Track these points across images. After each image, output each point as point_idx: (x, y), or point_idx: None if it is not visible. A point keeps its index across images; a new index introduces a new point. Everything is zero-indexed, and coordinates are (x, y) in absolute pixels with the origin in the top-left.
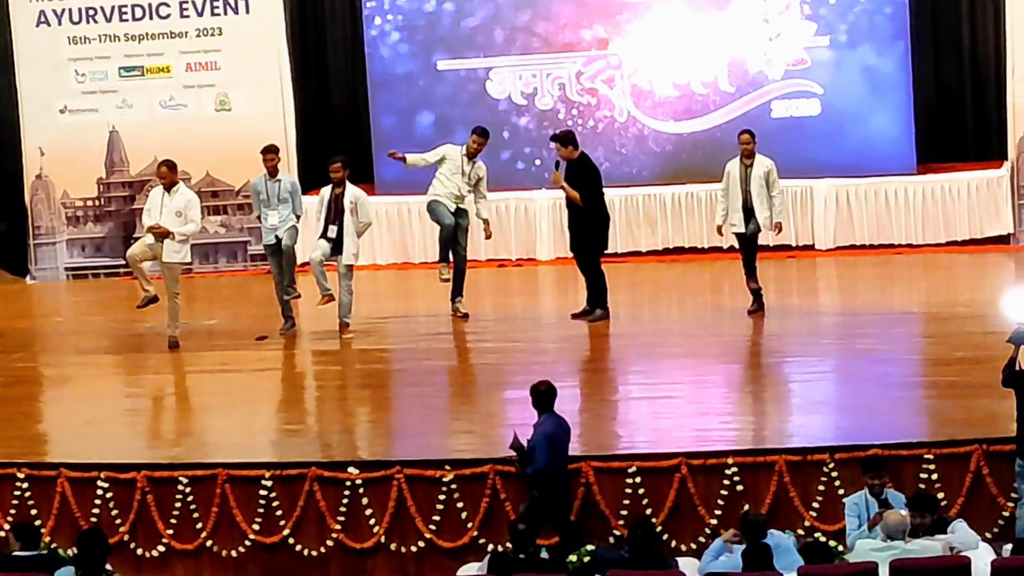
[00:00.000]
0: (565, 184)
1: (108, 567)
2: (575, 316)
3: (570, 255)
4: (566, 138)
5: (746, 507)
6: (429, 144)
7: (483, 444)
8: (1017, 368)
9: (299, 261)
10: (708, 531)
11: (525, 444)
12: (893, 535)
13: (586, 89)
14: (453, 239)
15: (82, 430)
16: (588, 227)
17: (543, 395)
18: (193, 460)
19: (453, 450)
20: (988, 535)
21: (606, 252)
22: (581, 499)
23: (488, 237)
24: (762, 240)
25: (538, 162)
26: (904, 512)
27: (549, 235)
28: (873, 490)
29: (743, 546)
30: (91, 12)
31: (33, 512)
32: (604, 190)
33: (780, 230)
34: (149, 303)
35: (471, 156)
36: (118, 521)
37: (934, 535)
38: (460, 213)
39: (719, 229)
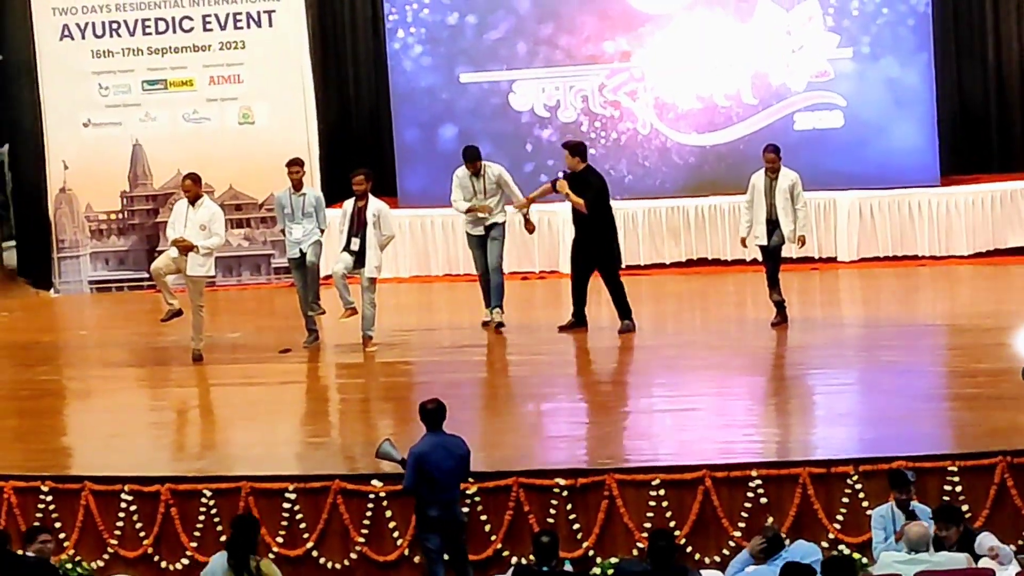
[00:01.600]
0: (570, 192)
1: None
2: (563, 328)
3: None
4: (577, 148)
5: (770, 519)
6: (452, 156)
7: (507, 457)
8: None
9: (322, 275)
10: (732, 544)
11: (400, 457)
12: (916, 547)
13: (609, 102)
14: (485, 260)
15: (106, 443)
16: (600, 242)
17: (430, 413)
18: (217, 473)
19: (477, 463)
20: (1013, 547)
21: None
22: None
23: (531, 230)
24: (785, 252)
25: (561, 175)
26: (926, 524)
27: None
28: (900, 503)
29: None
30: (115, 26)
31: (57, 525)
32: (625, 202)
33: (804, 243)
34: (173, 316)
35: (475, 174)
36: (142, 534)
37: (961, 549)
38: (490, 229)
39: (743, 241)
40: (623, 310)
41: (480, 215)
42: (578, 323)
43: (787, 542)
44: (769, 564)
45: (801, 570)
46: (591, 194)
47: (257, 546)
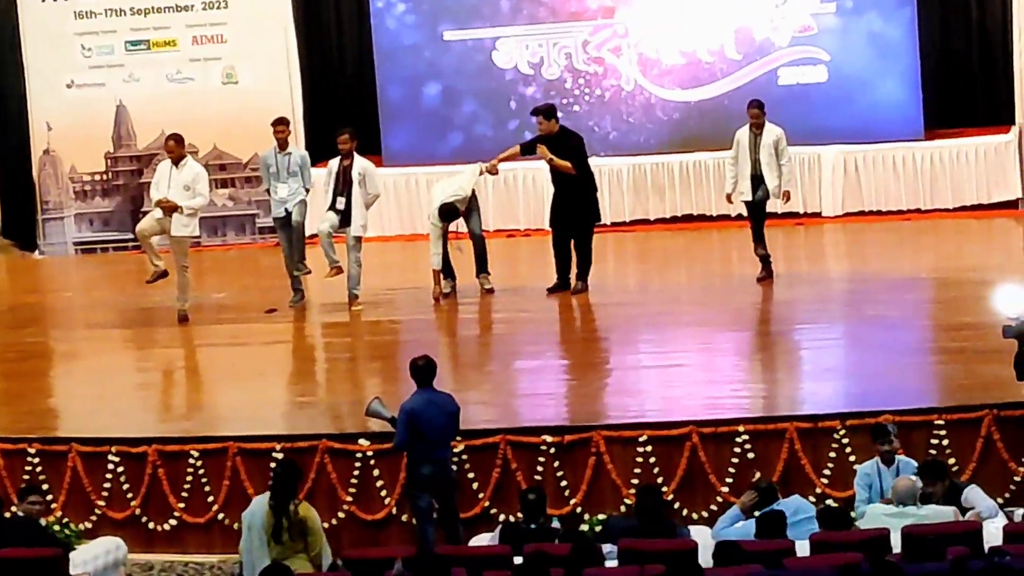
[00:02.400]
0: (554, 157)
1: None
2: (550, 291)
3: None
4: (550, 111)
5: (757, 475)
6: (436, 115)
7: (494, 415)
8: None
9: (308, 234)
10: (719, 499)
11: (389, 415)
12: (904, 501)
13: (593, 58)
14: (463, 220)
15: (93, 405)
16: (582, 199)
17: (420, 369)
18: (204, 433)
19: (464, 421)
20: (1000, 500)
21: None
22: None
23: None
24: (770, 207)
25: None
26: (914, 478)
27: None
28: (884, 457)
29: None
30: None
31: (45, 487)
32: (609, 158)
33: (788, 198)
34: (159, 278)
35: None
36: (129, 495)
37: (948, 503)
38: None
39: (729, 197)
40: (583, 271)
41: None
42: (563, 285)
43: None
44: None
45: (774, 518)
46: (573, 155)
47: (298, 491)
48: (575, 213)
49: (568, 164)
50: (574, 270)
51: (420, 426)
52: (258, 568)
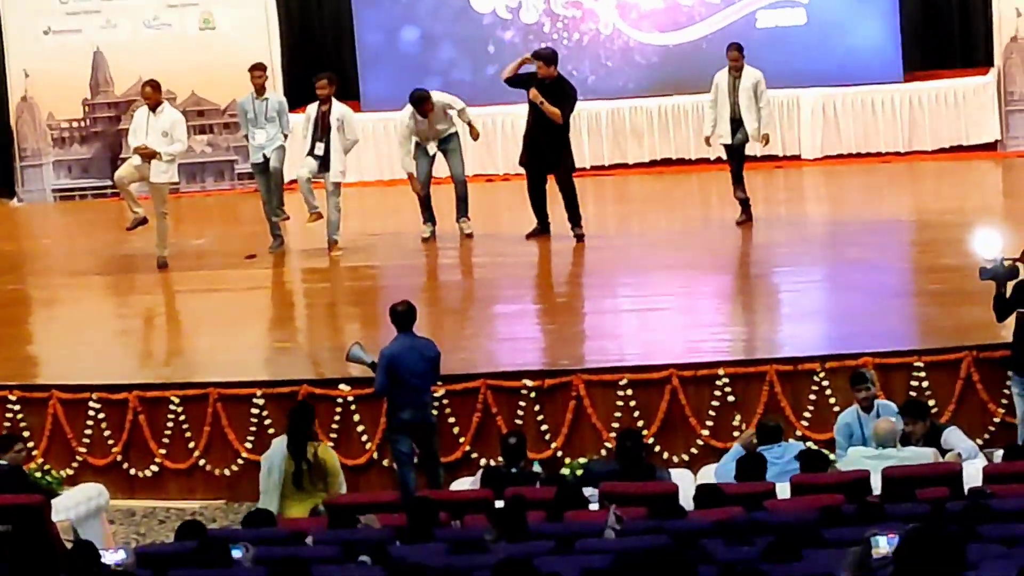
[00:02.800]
0: (545, 101)
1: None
2: (530, 236)
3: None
4: (551, 57)
5: (760, 414)
6: (414, 60)
7: (474, 359)
8: (1007, 297)
9: (287, 180)
10: (700, 442)
11: (370, 360)
12: (885, 443)
13: (571, 2)
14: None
15: (73, 351)
16: (558, 148)
17: (401, 315)
18: (184, 380)
19: (444, 366)
20: (979, 441)
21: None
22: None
23: (475, 137)
24: (749, 150)
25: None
26: (894, 419)
27: None
28: (863, 404)
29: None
30: None
31: (26, 434)
32: (588, 103)
33: (767, 141)
34: (138, 225)
35: (424, 114)
36: (110, 442)
37: (928, 443)
38: (446, 141)
39: (708, 140)
40: (574, 217)
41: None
42: (543, 230)
43: (790, 440)
44: (762, 451)
45: (753, 462)
46: (567, 104)
47: (315, 433)
48: (548, 162)
49: (557, 112)
50: (555, 216)
51: (400, 371)
52: (279, 507)
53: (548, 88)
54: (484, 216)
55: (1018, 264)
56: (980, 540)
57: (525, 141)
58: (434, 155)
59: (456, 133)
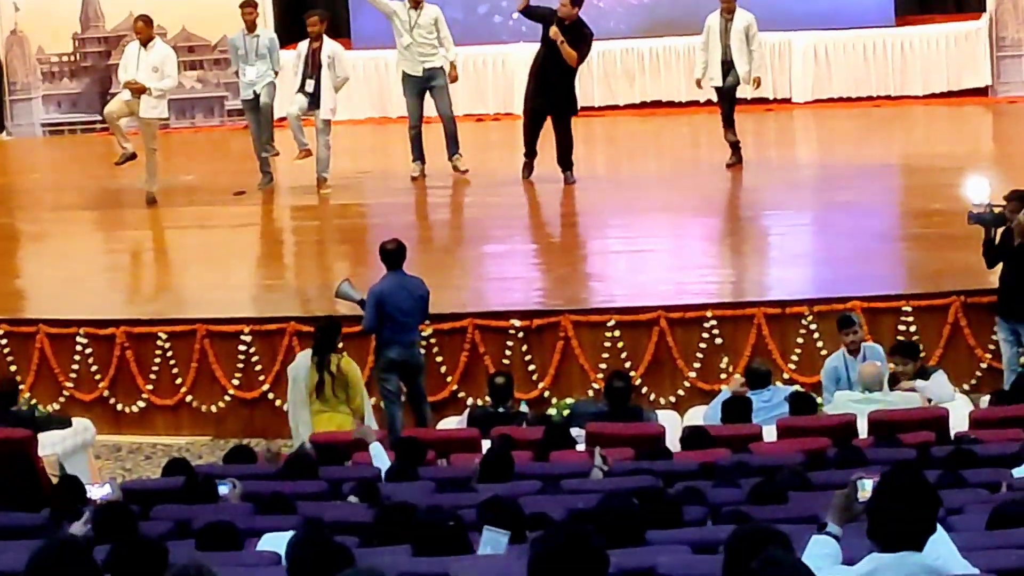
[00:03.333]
0: (565, 41)
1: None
2: (526, 175)
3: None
4: None
5: (748, 357)
6: None
7: (463, 298)
8: (995, 243)
9: (276, 116)
10: (687, 384)
11: (359, 298)
12: (870, 387)
13: None
14: (420, 110)
15: (61, 286)
16: (569, 90)
17: (390, 253)
18: (172, 316)
19: (432, 304)
20: (966, 386)
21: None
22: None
23: (453, 80)
24: (740, 93)
25: (515, 16)
26: (879, 364)
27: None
28: (850, 347)
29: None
30: None
31: (12, 368)
32: None
33: (759, 84)
34: (127, 160)
35: (415, 6)
36: (97, 377)
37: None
38: (432, 76)
39: (699, 82)
40: (568, 162)
41: (420, 56)
42: (531, 163)
43: (779, 384)
44: (751, 395)
45: (738, 405)
46: (584, 47)
47: (338, 347)
48: (558, 102)
49: (575, 54)
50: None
51: (389, 309)
52: (300, 421)
53: (568, 29)
54: (474, 156)
55: (1004, 210)
56: (964, 485)
57: (534, 80)
58: (422, 91)
59: (442, 68)
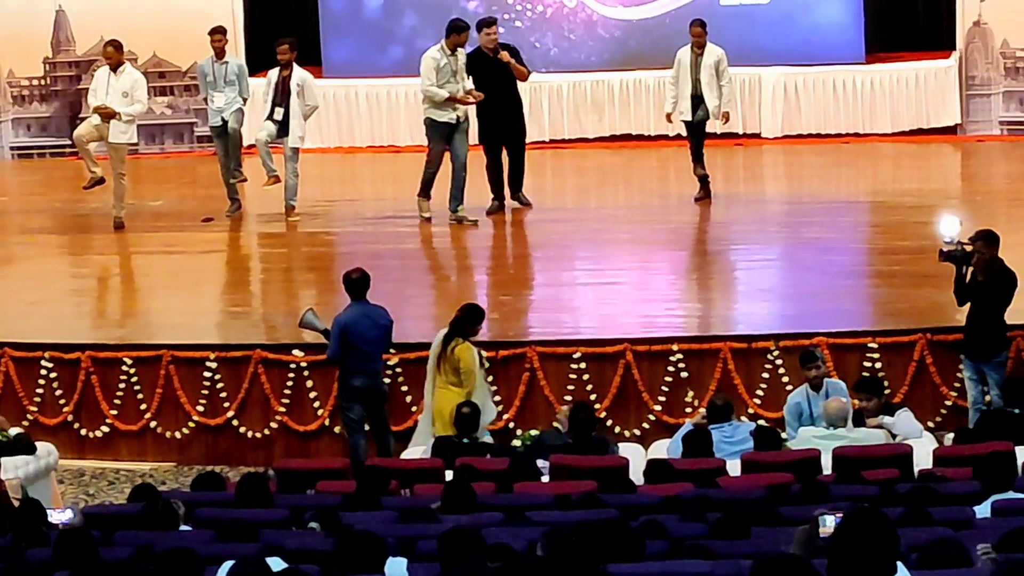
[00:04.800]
0: (513, 60)
1: None
2: (491, 213)
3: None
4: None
5: (712, 391)
6: (378, 27)
7: (428, 328)
8: (966, 281)
9: (245, 143)
10: (652, 417)
11: (323, 327)
12: (835, 423)
13: None
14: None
15: (27, 309)
16: (519, 113)
17: (354, 283)
18: (138, 341)
19: (399, 334)
20: (931, 424)
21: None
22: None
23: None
24: (709, 128)
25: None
26: (844, 400)
27: None
28: (813, 383)
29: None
30: None
31: None
32: (550, 75)
33: (728, 119)
34: (96, 184)
35: (454, 51)
36: (62, 401)
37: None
38: (460, 120)
39: (668, 117)
40: (520, 184)
41: (461, 105)
42: (502, 206)
43: (743, 419)
44: (712, 429)
45: (699, 437)
46: (521, 59)
47: (468, 332)
48: (512, 127)
49: (525, 69)
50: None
51: (353, 338)
52: (426, 389)
53: (501, 51)
54: (445, 186)
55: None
56: (929, 522)
57: (486, 115)
58: (451, 136)
59: (465, 112)
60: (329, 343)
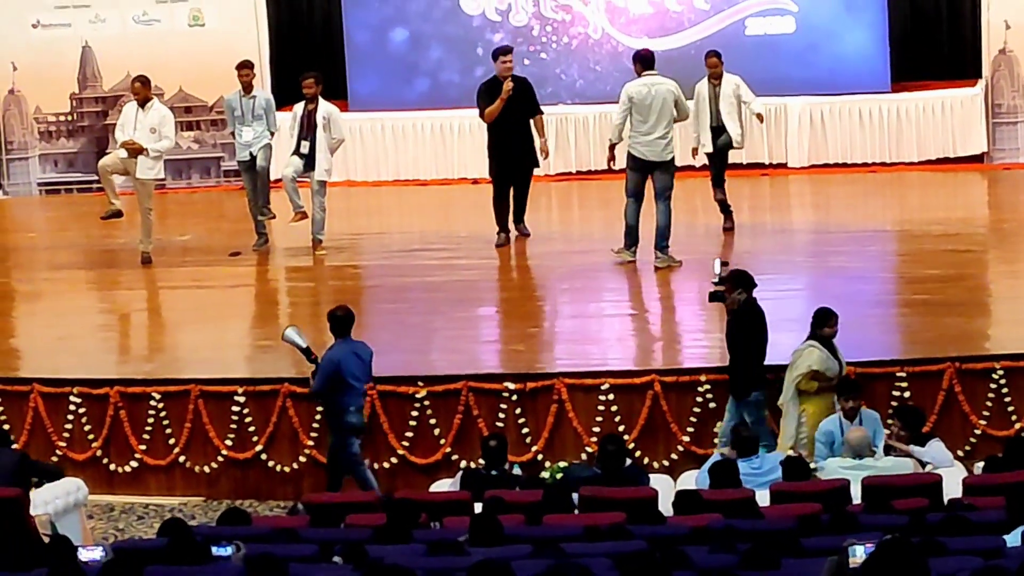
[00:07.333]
0: (505, 93)
1: None
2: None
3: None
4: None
5: (719, 425)
6: (403, 60)
7: (456, 361)
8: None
9: (272, 178)
10: (680, 448)
11: (304, 346)
12: (859, 452)
13: (560, 5)
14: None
15: (55, 345)
16: (530, 144)
17: (340, 320)
18: (166, 376)
19: (426, 366)
20: (960, 453)
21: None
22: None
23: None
24: (735, 157)
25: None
26: (865, 430)
27: None
28: (848, 412)
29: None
30: None
31: (6, 427)
32: (576, 106)
33: (762, 120)
34: (113, 216)
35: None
36: (91, 436)
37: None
38: None
39: (694, 152)
40: (522, 213)
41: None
42: (508, 239)
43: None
44: (741, 462)
45: (727, 467)
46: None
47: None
48: (525, 159)
49: (495, 108)
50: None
51: (344, 375)
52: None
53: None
54: (471, 218)
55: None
56: (958, 552)
57: (498, 149)
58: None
59: None
60: (316, 379)
